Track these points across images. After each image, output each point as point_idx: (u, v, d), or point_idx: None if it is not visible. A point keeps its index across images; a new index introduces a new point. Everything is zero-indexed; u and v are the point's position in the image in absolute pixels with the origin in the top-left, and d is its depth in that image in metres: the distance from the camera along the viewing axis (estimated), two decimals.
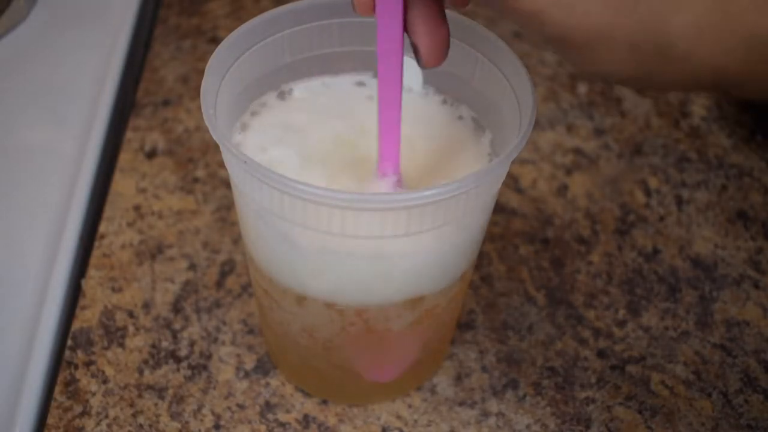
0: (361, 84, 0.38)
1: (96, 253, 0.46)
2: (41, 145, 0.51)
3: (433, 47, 0.29)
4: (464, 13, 0.33)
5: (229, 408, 0.40)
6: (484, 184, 0.31)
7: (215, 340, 0.43)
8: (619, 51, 0.25)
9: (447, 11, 0.33)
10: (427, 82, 0.37)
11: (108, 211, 0.48)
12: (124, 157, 0.51)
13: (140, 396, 0.40)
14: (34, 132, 0.52)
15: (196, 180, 0.50)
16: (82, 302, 0.44)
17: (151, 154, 0.52)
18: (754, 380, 0.42)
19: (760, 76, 0.25)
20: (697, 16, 0.24)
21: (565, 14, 0.25)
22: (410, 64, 0.37)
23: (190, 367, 0.42)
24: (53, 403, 0.40)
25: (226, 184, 0.50)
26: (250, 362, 0.42)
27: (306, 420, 0.40)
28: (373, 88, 0.38)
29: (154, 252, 0.46)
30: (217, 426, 0.39)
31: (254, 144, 0.35)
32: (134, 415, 0.40)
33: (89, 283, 0.45)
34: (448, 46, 0.30)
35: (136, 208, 0.49)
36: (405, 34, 0.29)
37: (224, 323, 0.43)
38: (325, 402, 0.41)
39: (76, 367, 0.41)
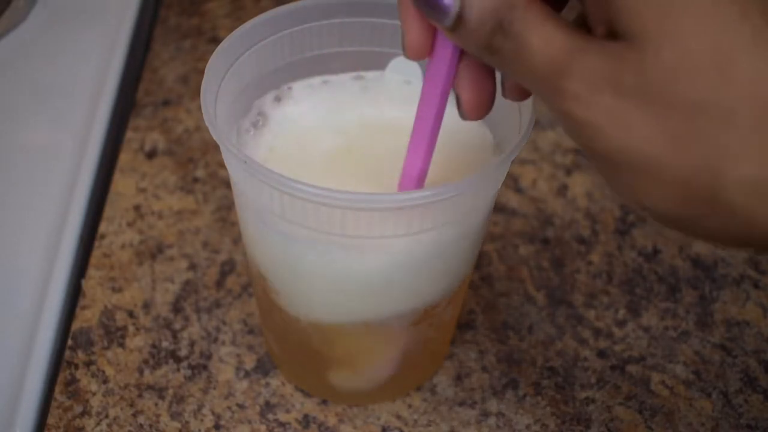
0: (361, 84, 0.38)
1: (96, 253, 0.46)
2: (41, 145, 0.51)
3: (476, 102, 0.28)
4: None
5: (229, 408, 0.40)
6: (484, 184, 0.31)
7: (215, 340, 0.43)
8: (669, 187, 0.23)
9: None
10: None
11: (108, 211, 0.48)
12: (124, 157, 0.51)
13: (140, 396, 0.40)
14: (34, 132, 0.52)
15: (196, 180, 0.50)
16: (82, 302, 0.44)
17: (151, 154, 0.52)
18: (754, 380, 0.42)
19: None
20: (756, 171, 0.21)
21: (619, 133, 0.22)
22: (407, 63, 0.37)
23: (190, 367, 0.42)
24: (53, 403, 0.40)
25: (226, 184, 0.50)
26: (250, 362, 0.42)
27: (306, 420, 0.40)
28: (373, 88, 0.38)
29: (154, 252, 0.46)
30: (217, 426, 0.39)
31: (258, 152, 0.35)
32: (134, 415, 0.40)
33: (89, 283, 0.45)
34: (492, 102, 0.28)
35: (136, 208, 0.49)
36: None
37: (224, 323, 0.43)
38: (325, 402, 0.41)
39: (77, 367, 0.41)
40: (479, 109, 0.28)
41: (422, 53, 0.27)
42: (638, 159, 0.23)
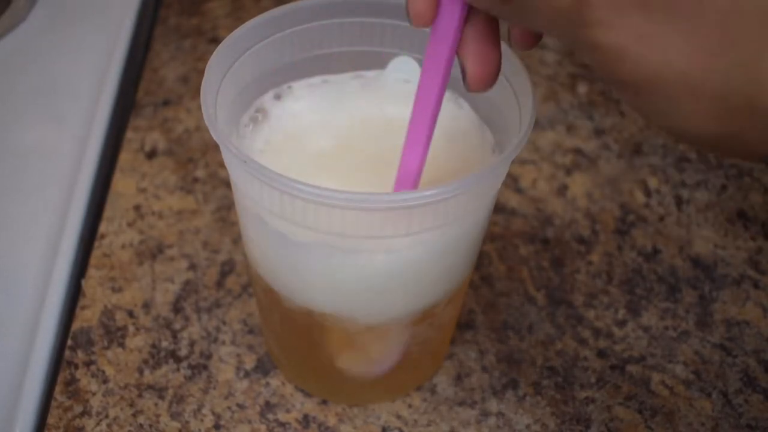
0: (361, 83, 0.38)
1: (96, 253, 0.46)
2: (41, 145, 0.51)
3: (482, 73, 0.27)
4: None
5: (229, 408, 0.40)
6: (484, 184, 0.31)
7: (215, 340, 0.43)
8: (706, 103, 0.22)
9: None
10: None
11: (108, 211, 0.48)
12: (124, 157, 0.51)
13: (140, 396, 0.40)
14: (34, 132, 0.52)
15: (196, 180, 0.50)
16: (82, 302, 0.44)
17: (151, 154, 0.52)
18: (754, 380, 0.42)
19: None
20: None
21: (651, 54, 0.21)
22: (407, 63, 0.37)
23: (190, 366, 0.42)
24: (53, 403, 0.40)
25: (226, 184, 0.50)
26: (250, 362, 0.42)
27: (306, 420, 0.40)
28: (373, 87, 0.38)
29: (154, 252, 0.46)
30: (217, 426, 0.39)
31: (255, 145, 0.35)
32: (134, 415, 0.40)
33: (89, 283, 0.45)
34: (498, 72, 0.27)
35: (136, 208, 0.49)
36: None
37: (224, 323, 0.43)
38: (325, 402, 0.41)
39: (77, 366, 0.41)
40: (485, 81, 0.27)
41: (429, 17, 0.27)
42: (672, 79, 0.22)
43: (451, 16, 0.27)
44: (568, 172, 0.51)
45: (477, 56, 0.27)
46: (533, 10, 0.23)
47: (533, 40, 0.27)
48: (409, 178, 0.31)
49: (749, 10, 0.21)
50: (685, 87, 0.22)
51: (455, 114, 0.37)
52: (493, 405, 0.41)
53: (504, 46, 0.34)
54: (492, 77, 0.27)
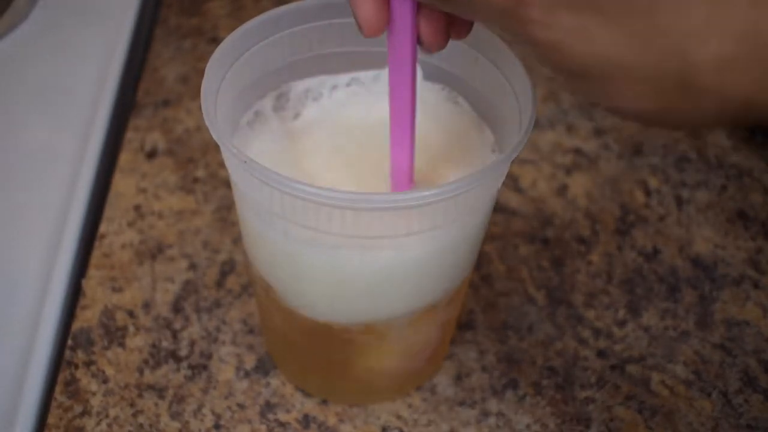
0: (360, 83, 0.38)
1: (96, 253, 0.46)
2: (41, 145, 0.51)
3: (435, 34, 0.29)
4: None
5: (229, 408, 0.40)
6: (483, 184, 0.31)
7: (215, 340, 0.43)
8: (640, 84, 0.23)
9: None
10: (427, 80, 0.37)
11: (108, 211, 0.48)
12: (125, 157, 0.51)
13: (140, 396, 0.40)
14: (34, 132, 0.52)
15: (196, 180, 0.50)
16: (82, 302, 0.44)
17: (151, 154, 0.52)
18: (754, 380, 0.42)
19: None
20: (721, 47, 0.22)
21: (584, 45, 0.23)
22: None
23: (191, 366, 0.42)
24: (53, 403, 0.40)
25: (226, 184, 0.50)
26: (250, 362, 0.42)
27: (306, 420, 0.40)
28: (372, 87, 0.38)
29: (155, 252, 0.46)
30: (217, 426, 0.39)
31: (251, 140, 0.35)
32: (134, 415, 0.40)
33: (89, 283, 0.45)
34: (447, 33, 0.29)
35: (137, 208, 0.49)
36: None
37: (224, 323, 0.43)
38: (325, 402, 0.41)
39: (77, 366, 0.41)
40: (439, 40, 0.29)
41: (380, 27, 0.28)
42: (606, 67, 0.23)
43: (404, 15, 0.28)
44: (568, 172, 0.51)
45: (426, 21, 0.28)
46: (473, 8, 0.25)
47: (442, 40, 0.29)
48: (404, 176, 0.32)
49: (667, 2, 0.22)
50: (618, 73, 0.23)
51: (454, 113, 0.37)
52: (493, 405, 0.41)
53: (504, 46, 0.34)
54: (444, 36, 0.29)
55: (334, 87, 0.38)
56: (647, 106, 0.24)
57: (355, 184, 0.34)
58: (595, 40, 0.23)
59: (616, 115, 0.26)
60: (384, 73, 0.37)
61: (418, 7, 0.28)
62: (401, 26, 0.28)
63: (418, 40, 0.29)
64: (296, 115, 0.37)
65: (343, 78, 0.38)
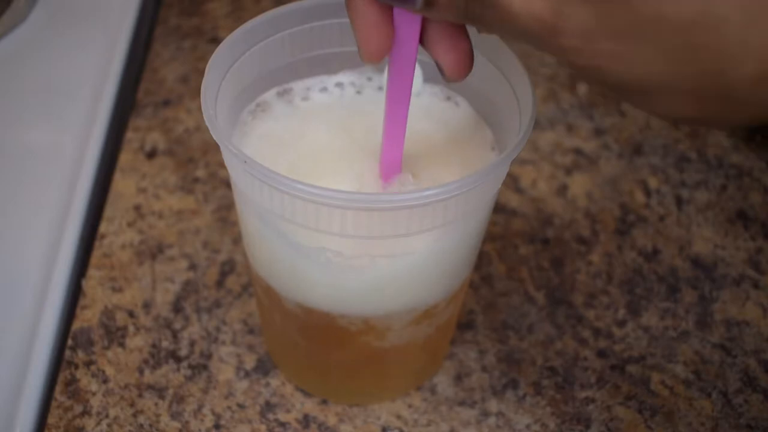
0: (360, 83, 0.38)
1: (96, 253, 0.46)
2: (41, 145, 0.51)
3: (456, 63, 0.28)
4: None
5: (229, 408, 0.40)
6: (484, 184, 0.31)
7: (215, 339, 0.43)
8: (682, 97, 0.24)
9: None
10: (427, 80, 0.37)
11: (108, 211, 0.48)
12: (125, 157, 0.51)
13: (140, 396, 0.40)
14: (34, 132, 0.52)
15: (196, 180, 0.50)
16: (82, 302, 0.44)
17: (152, 154, 0.52)
18: (754, 380, 0.42)
19: None
20: (759, 66, 0.23)
21: (623, 66, 0.24)
22: None
23: (191, 366, 0.42)
24: (53, 403, 0.40)
25: (226, 184, 0.50)
26: (250, 362, 0.42)
27: (306, 420, 0.40)
28: (372, 87, 0.38)
29: (155, 252, 0.46)
30: (217, 426, 0.39)
31: (248, 134, 0.35)
32: (134, 415, 0.40)
33: (89, 283, 0.45)
34: (472, 59, 0.29)
35: (137, 208, 0.49)
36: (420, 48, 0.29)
37: (224, 323, 0.43)
38: (325, 402, 0.41)
39: (77, 366, 0.41)
40: (461, 69, 0.29)
41: (382, 54, 0.28)
42: (647, 84, 0.24)
43: (408, 32, 0.28)
44: (568, 172, 0.51)
45: (448, 49, 0.28)
46: (504, 29, 0.25)
47: (465, 69, 0.29)
48: (393, 165, 0.32)
49: (707, 17, 0.22)
50: (659, 89, 0.24)
51: (454, 112, 0.37)
52: (493, 405, 0.41)
53: (504, 46, 0.34)
54: (467, 65, 0.29)
55: (334, 86, 0.38)
56: (689, 113, 0.25)
57: (351, 182, 0.34)
58: (634, 62, 0.23)
59: (661, 118, 0.26)
60: (385, 73, 0.37)
61: (440, 38, 0.28)
62: (405, 39, 0.28)
63: (439, 69, 0.29)
64: (292, 111, 0.37)
65: (343, 77, 0.38)
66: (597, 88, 0.26)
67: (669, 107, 0.25)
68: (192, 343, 0.43)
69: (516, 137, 0.31)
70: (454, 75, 0.29)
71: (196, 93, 0.55)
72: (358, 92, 0.38)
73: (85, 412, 0.40)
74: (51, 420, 0.39)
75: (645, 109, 0.26)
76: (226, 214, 0.48)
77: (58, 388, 0.40)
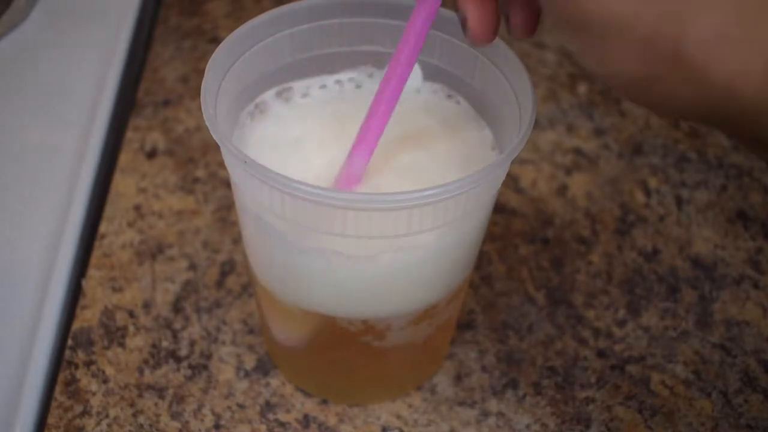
0: (360, 83, 0.38)
1: (96, 253, 0.46)
2: (41, 145, 0.51)
3: (483, 21, 0.28)
4: None
5: (229, 408, 0.40)
6: (484, 184, 0.31)
7: (215, 339, 0.43)
8: (634, 46, 0.24)
9: (447, 11, 0.33)
10: (427, 79, 0.37)
11: (108, 211, 0.48)
12: (125, 157, 0.51)
13: (140, 396, 0.40)
14: (34, 132, 0.52)
15: (196, 180, 0.50)
16: (82, 302, 0.44)
17: (152, 154, 0.52)
18: (754, 380, 0.42)
19: None
20: (716, 24, 0.23)
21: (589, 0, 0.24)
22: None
23: (191, 366, 0.42)
24: (53, 403, 0.40)
25: (226, 184, 0.50)
26: (250, 362, 0.42)
27: (306, 420, 0.40)
28: (372, 87, 0.38)
29: (155, 252, 0.46)
30: (217, 426, 0.39)
31: (249, 134, 0.35)
32: (134, 415, 0.40)
33: (89, 283, 0.45)
34: (498, 23, 0.29)
35: (137, 208, 0.49)
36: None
37: (224, 323, 0.43)
38: (325, 402, 0.41)
39: (77, 366, 0.41)
40: (487, 30, 0.29)
41: (490, 35, 0.29)
42: (606, 20, 0.24)
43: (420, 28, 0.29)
44: (568, 172, 0.51)
45: (476, 4, 0.28)
46: None
47: (533, 27, 0.29)
48: (355, 176, 0.32)
49: None
50: (617, 29, 0.24)
51: (454, 112, 0.37)
52: (493, 405, 0.41)
53: (504, 46, 0.34)
54: (493, 26, 0.29)
55: (334, 86, 0.38)
56: (635, 69, 0.25)
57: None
58: None
59: (603, 80, 0.26)
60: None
61: None
62: (415, 32, 0.29)
63: (464, 28, 0.29)
64: (292, 110, 0.37)
65: (343, 77, 0.38)
66: (559, 30, 0.26)
67: (618, 60, 0.25)
68: (192, 343, 0.43)
69: (516, 137, 0.31)
70: (479, 35, 0.29)
71: (196, 93, 0.55)
72: (358, 87, 0.38)
73: (85, 412, 0.40)
74: (51, 420, 0.39)
75: (594, 63, 0.26)
76: (226, 214, 0.48)
77: (58, 388, 0.40)
